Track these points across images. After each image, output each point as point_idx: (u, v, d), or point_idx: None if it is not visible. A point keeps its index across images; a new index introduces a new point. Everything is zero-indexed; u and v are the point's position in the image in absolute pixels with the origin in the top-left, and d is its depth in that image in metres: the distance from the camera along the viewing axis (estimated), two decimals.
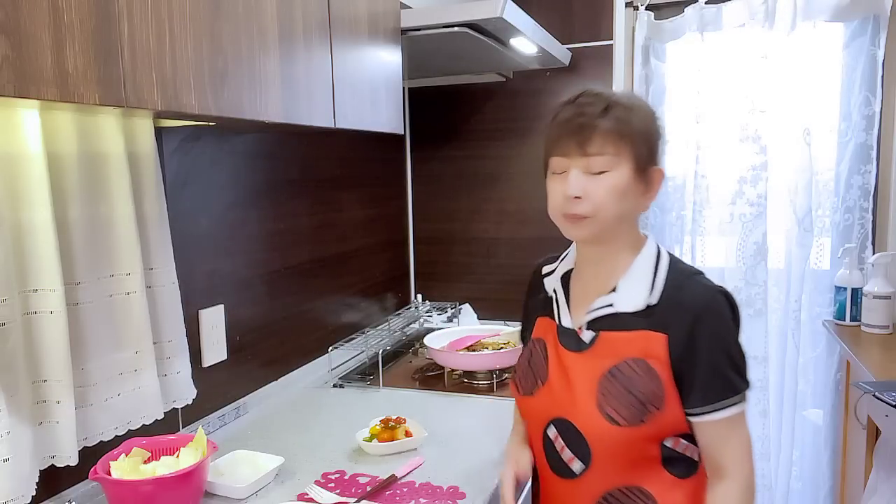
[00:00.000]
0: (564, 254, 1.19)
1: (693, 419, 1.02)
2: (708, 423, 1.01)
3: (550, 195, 1.05)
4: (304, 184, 1.91)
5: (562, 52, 2.14)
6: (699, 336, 0.99)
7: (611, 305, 1.05)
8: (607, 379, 1.01)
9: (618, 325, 1.03)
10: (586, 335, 1.06)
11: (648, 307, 1.02)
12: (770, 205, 2.35)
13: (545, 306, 1.16)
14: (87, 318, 1.18)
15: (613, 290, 1.05)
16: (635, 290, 1.04)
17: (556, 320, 1.11)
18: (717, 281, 1.04)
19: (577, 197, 0.99)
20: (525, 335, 1.24)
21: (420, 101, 2.55)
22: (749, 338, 2.38)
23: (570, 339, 1.08)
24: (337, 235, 2.08)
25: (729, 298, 1.03)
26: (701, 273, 1.06)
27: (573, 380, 1.05)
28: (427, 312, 2.50)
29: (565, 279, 1.14)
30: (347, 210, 2.14)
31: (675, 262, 1.07)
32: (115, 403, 1.23)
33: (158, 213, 1.31)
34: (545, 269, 1.20)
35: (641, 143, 1.00)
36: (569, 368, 1.06)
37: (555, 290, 1.14)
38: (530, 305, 1.22)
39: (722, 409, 1.00)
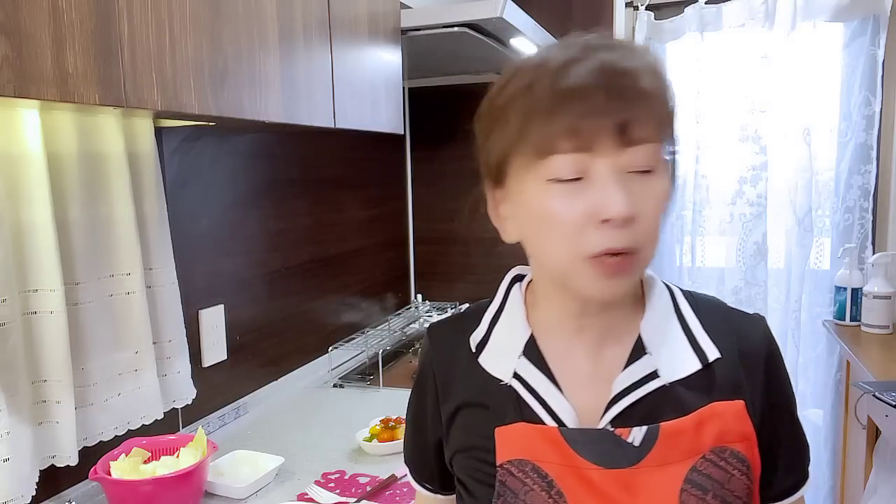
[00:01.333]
0: (487, 310, 0.74)
1: None
2: None
3: (553, 222, 0.60)
4: (304, 184, 1.91)
5: None
6: (775, 391, 0.69)
7: (655, 376, 0.65)
8: (690, 494, 0.62)
9: (671, 404, 0.65)
10: (636, 434, 0.64)
11: (706, 366, 0.66)
12: (770, 205, 2.35)
13: (503, 405, 0.68)
14: (87, 318, 1.18)
15: (640, 350, 0.67)
16: (671, 343, 0.67)
17: (553, 422, 0.65)
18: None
19: (627, 219, 0.58)
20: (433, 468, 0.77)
21: (420, 101, 2.55)
22: None
23: (602, 447, 0.64)
24: (337, 235, 2.08)
25: None
26: (717, 298, 0.75)
27: None
28: (427, 312, 2.50)
29: (533, 351, 0.69)
30: (347, 210, 2.14)
31: (684, 291, 0.73)
32: (115, 403, 1.23)
33: (158, 213, 1.31)
34: (474, 341, 0.72)
35: (676, 119, 0.63)
36: (616, 498, 0.63)
37: (517, 376, 0.68)
38: (449, 413, 0.72)
39: (805, 482, 0.71)
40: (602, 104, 0.57)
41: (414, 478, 0.81)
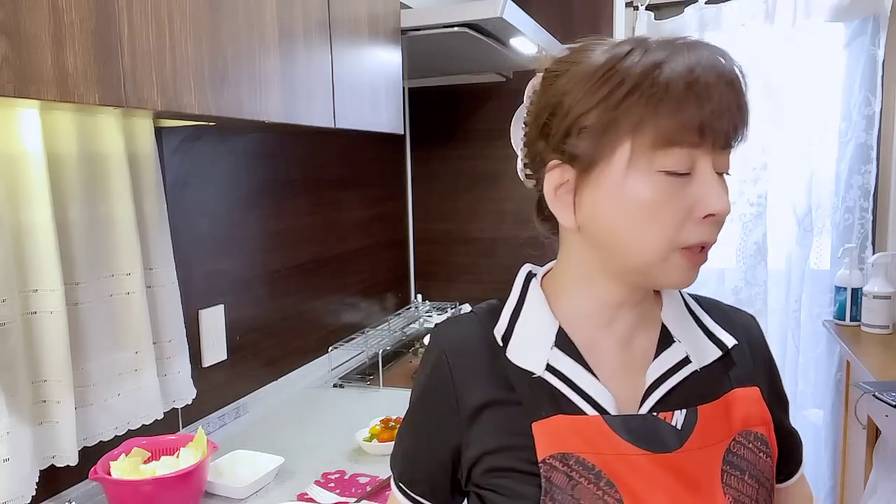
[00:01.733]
0: (505, 306, 0.73)
1: (784, 485, 0.78)
2: (798, 483, 0.80)
3: (656, 212, 0.61)
4: (305, 184, 1.91)
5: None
6: (776, 383, 0.76)
7: (687, 361, 0.69)
8: (730, 475, 0.65)
9: (701, 389, 0.68)
10: (678, 418, 0.66)
11: (725, 353, 0.71)
12: (770, 205, 2.35)
13: (537, 399, 0.66)
14: (87, 318, 1.18)
15: (667, 338, 0.70)
16: (691, 332, 0.71)
17: (594, 411, 0.65)
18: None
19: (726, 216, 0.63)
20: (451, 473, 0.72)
21: (420, 101, 2.55)
22: None
23: (648, 432, 0.65)
24: (337, 235, 2.08)
25: None
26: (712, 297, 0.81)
27: (682, 498, 0.63)
28: (427, 312, 2.50)
29: (565, 342, 0.69)
30: (347, 210, 2.14)
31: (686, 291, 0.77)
32: (115, 403, 1.23)
33: (158, 213, 1.31)
34: (498, 333, 0.70)
35: None
36: (666, 482, 0.63)
37: (550, 368, 0.67)
38: (473, 412, 0.68)
39: (801, 464, 0.80)
40: (727, 105, 0.59)
41: (406, 490, 0.74)
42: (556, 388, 0.66)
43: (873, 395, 1.59)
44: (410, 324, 2.38)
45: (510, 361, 0.68)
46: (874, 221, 2.29)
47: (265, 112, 1.12)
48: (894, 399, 1.54)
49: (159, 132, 1.36)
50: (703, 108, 0.58)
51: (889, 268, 2.15)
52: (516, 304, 0.72)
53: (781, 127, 2.29)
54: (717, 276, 2.46)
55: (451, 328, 0.74)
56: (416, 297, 2.63)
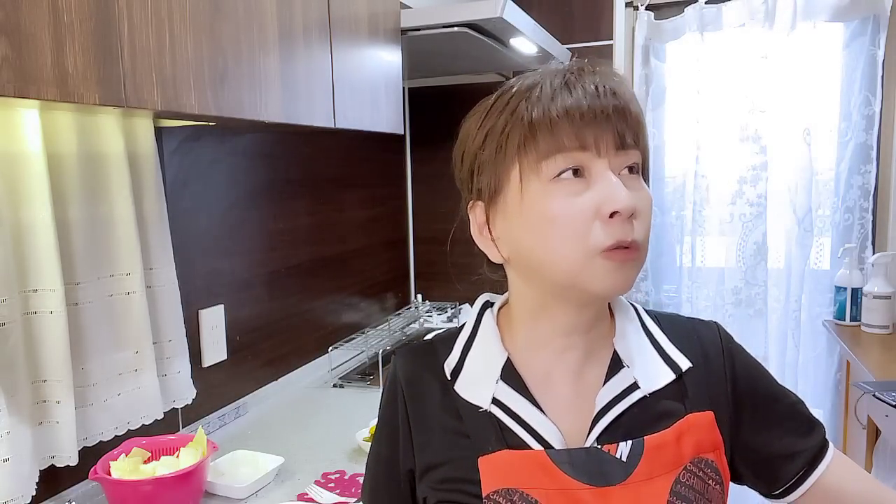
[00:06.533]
0: (459, 336, 0.73)
1: (795, 494, 0.72)
2: (819, 485, 0.74)
3: (562, 220, 0.61)
4: (304, 184, 1.91)
5: (562, 52, 2.14)
6: (743, 375, 0.72)
7: (635, 387, 0.67)
8: None
9: (651, 416, 0.67)
10: (623, 450, 0.64)
11: (678, 377, 0.69)
12: (770, 205, 2.35)
13: (484, 433, 0.67)
14: (87, 318, 1.18)
15: (617, 364, 0.68)
16: (644, 356, 0.69)
17: (539, 446, 0.65)
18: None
19: (632, 211, 0.61)
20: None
21: (420, 101, 2.55)
22: (749, 338, 2.39)
23: (591, 466, 0.64)
24: (337, 235, 2.08)
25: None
26: (673, 312, 0.79)
27: None
28: (427, 312, 2.50)
29: (511, 375, 0.68)
30: (347, 210, 2.14)
31: (646, 309, 0.76)
32: (115, 403, 1.23)
33: (158, 213, 1.31)
34: (448, 367, 0.71)
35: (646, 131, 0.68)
36: None
37: (496, 401, 0.67)
38: (423, 443, 0.70)
39: (827, 451, 0.76)
40: (603, 110, 0.61)
41: None
42: (502, 421, 0.67)
43: (873, 395, 1.59)
44: (410, 324, 2.38)
45: (459, 395, 0.69)
46: (874, 221, 2.29)
47: (265, 112, 1.12)
48: (894, 399, 1.54)
49: (159, 132, 1.36)
50: (573, 118, 0.60)
51: (889, 268, 2.15)
52: (469, 335, 0.73)
53: (781, 127, 2.29)
54: (718, 276, 2.46)
55: (407, 359, 0.75)
56: (416, 297, 2.63)
